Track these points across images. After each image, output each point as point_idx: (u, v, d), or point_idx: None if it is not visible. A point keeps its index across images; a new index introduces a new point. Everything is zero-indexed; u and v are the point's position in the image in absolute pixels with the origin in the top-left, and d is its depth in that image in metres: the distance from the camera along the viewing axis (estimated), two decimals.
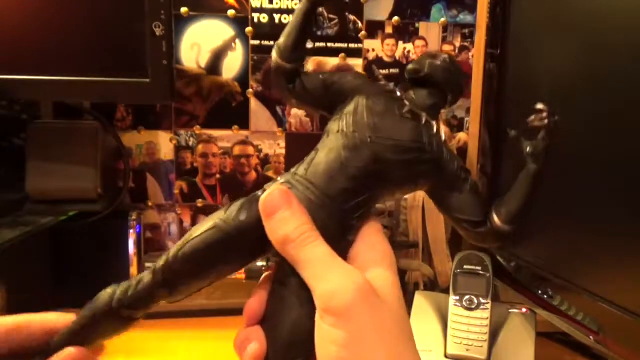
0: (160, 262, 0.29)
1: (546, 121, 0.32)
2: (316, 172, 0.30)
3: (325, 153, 0.30)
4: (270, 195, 0.30)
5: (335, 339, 0.27)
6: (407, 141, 0.30)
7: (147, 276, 0.30)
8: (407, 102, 0.31)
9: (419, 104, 0.32)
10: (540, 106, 0.33)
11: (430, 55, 0.34)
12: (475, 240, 0.33)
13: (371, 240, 0.31)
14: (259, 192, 0.30)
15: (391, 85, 0.33)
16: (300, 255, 0.29)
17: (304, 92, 0.34)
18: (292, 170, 0.31)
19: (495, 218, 0.32)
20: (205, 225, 0.30)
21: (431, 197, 0.34)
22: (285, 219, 0.29)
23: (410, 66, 0.34)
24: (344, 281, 0.28)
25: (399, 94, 0.32)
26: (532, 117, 0.33)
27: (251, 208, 0.30)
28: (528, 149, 0.33)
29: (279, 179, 0.31)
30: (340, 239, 0.30)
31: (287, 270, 0.29)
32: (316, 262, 0.28)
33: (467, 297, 0.63)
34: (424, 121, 0.31)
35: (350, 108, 0.31)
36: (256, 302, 0.31)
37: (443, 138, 0.32)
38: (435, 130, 0.31)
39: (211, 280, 0.30)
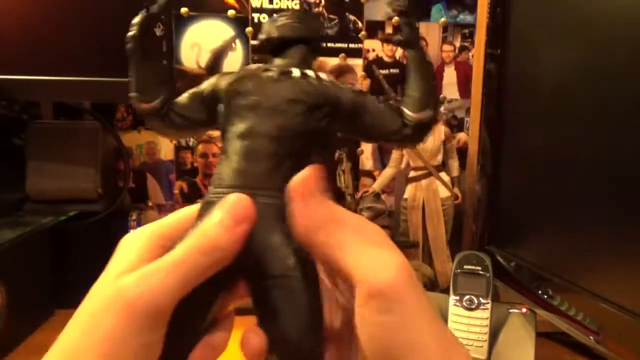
0: None
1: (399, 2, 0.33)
2: (238, 175, 0.29)
3: (233, 153, 0.29)
4: (306, 177, 0.27)
5: (385, 324, 0.25)
6: (293, 98, 0.30)
7: None
8: (274, 68, 0.31)
9: (287, 64, 0.31)
10: None
11: (270, 20, 0.33)
12: (412, 143, 0.34)
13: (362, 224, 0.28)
14: (211, 198, 0.29)
15: (256, 65, 0.32)
16: (336, 238, 0.26)
17: (183, 119, 0.33)
18: (211, 187, 0.30)
19: (409, 113, 0.32)
20: None
21: (352, 134, 0.33)
22: (322, 202, 0.26)
23: (260, 37, 0.33)
24: (387, 262, 0.26)
25: (262, 65, 0.31)
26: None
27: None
28: (398, 37, 0.33)
29: (209, 195, 0.29)
30: None
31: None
32: (353, 244, 0.26)
33: (467, 297, 0.63)
34: (299, 74, 0.30)
35: (233, 102, 0.30)
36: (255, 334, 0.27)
37: (328, 78, 0.31)
38: (315, 76, 0.31)
39: None
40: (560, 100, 0.64)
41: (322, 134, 0.31)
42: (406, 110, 0.32)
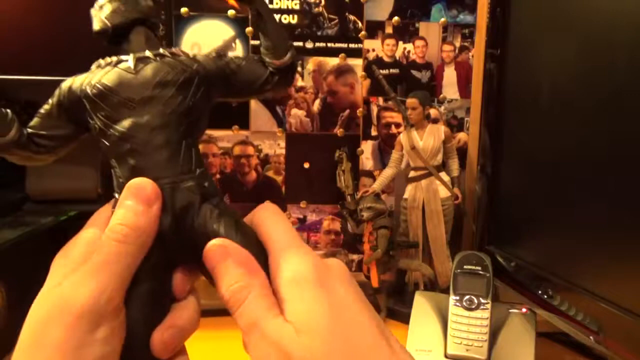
0: None
1: None
2: (141, 172, 0.29)
3: (125, 154, 0.29)
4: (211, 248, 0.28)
5: (318, 311, 0.26)
6: (159, 81, 0.29)
7: None
8: (126, 57, 0.30)
9: (135, 49, 0.31)
10: None
11: (96, 10, 0.32)
12: (284, 87, 0.35)
13: (274, 221, 0.30)
14: None
15: (104, 60, 0.31)
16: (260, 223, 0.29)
17: (50, 139, 0.32)
18: (117, 193, 0.30)
19: (272, 61, 0.33)
20: None
21: (229, 97, 0.34)
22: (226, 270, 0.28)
23: (95, 30, 0.32)
24: (298, 265, 0.27)
25: (114, 58, 0.31)
26: None
27: None
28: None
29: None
30: (215, 193, 0.30)
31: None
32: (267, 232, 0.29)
33: (467, 297, 0.63)
34: (153, 56, 0.30)
35: (100, 105, 0.30)
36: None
37: (182, 52, 0.31)
38: (169, 53, 0.31)
39: None
40: (560, 100, 0.64)
41: (202, 105, 0.31)
42: (268, 60, 0.34)
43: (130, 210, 0.27)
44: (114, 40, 0.32)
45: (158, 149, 0.29)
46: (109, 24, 0.31)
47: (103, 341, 0.25)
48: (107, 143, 0.30)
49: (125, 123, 0.29)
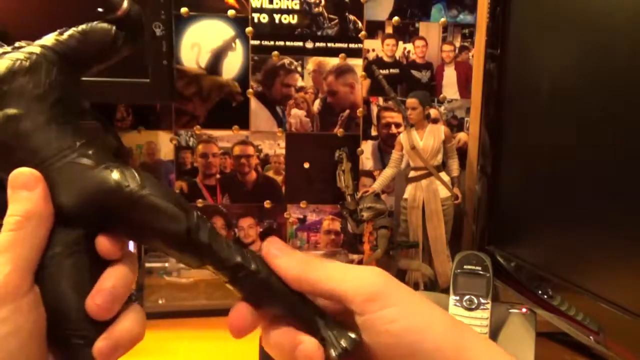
0: None
1: None
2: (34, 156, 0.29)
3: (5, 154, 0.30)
4: (270, 242, 0.32)
5: (391, 317, 0.29)
6: (6, 74, 0.30)
7: None
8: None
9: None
10: None
11: None
12: (134, 41, 0.34)
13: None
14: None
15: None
16: (313, 275, 0.31)
17: None
18: None
19: (110, 16, 0.33)
20: None
21: (90, 62, 0.34)
22: (287, 259, 0.32)
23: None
24: (367, 271, 0.31)
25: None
26: None
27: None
28: None
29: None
30: (108, 159, 0.30)
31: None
32: (331, 273, 0.31)
33: (467, 297, 0.63)
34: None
35: None
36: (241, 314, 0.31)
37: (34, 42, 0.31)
38: (11, 47, 0.31)
39: None
40: (560, 100, 0.64)
41: (61, 83, 0.31)
42: (109, 17, 0.33)
43: (15, 201, 0.28)
44: None
45: (26, 137, 0.29)
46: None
47: (2, 321, 0.26)
48: None
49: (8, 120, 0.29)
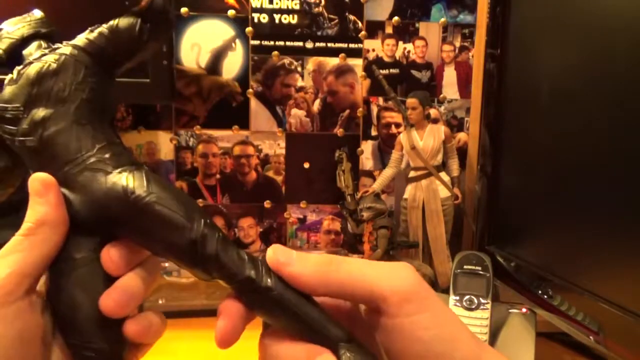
0: None
1: None
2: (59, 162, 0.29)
3: (31, 158, 0.30)
4: (275, 251, 0.29)
5: (424, 322, 0.27)
6: (37, 77, 0.30)
7: None
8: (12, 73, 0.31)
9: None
10: None
11: None
12: (161, 32, 0.34)
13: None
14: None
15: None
16: (341, 275, 0.28)
17: None
18: None
19: (136, 8, 0.33)
20: None
21: (123, 58, 0.34)
22: (301, 265, 0.28)
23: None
24: (402, 269, 0.28)
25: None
26: None
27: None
28: None
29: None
30: (127, 162, 0.30)
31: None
32: (362, 269, 0.28)
33: (467, 297, 0.63)
34: (31, 58, 0.31)
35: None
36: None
37: (50, 46, 0.32)
38: (48, 49, 0.31)
39: None
40: (560, 100, 0.64)
41: (90, 84, 0.31)
42: (135, 9, 0.33)
43: (30, 206, 0.29)
44: (12, 63, 0.32)
45: (51, 141, 0.29)
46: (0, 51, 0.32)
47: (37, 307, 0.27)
48: (23, 155, 0.30)
49: (22, 129, 0.29)
